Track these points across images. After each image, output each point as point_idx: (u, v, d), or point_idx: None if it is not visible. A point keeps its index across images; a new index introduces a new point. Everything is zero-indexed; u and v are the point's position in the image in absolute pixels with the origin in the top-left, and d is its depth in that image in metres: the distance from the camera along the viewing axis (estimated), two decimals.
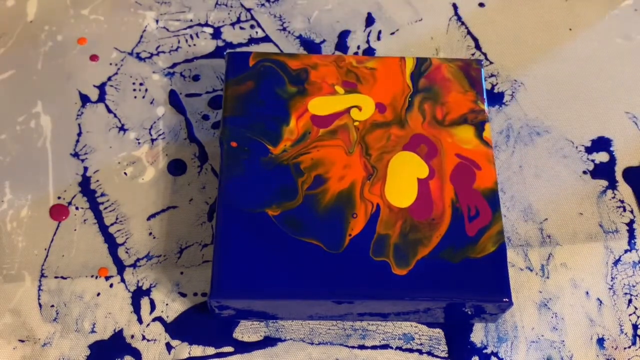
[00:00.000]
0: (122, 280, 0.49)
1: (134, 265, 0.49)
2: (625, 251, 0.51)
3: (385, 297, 0.44)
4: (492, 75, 0.58)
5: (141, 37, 0.58)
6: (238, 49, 0.58)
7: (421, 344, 0.47)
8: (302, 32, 0.59)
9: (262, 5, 0.60)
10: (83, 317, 0.47)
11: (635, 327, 0.48)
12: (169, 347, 0.47)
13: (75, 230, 0.50)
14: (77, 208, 0.51)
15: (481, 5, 0.61)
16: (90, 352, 0.46)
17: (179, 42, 0.58)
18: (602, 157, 0.55)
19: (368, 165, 0.47)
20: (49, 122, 0.54)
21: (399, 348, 0.47)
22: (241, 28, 0.59)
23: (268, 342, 0.47)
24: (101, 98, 0.55)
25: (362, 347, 0.47)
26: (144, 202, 0.51)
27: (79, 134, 0.54)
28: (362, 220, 0.45)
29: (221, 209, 0.45)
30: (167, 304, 0.48)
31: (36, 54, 0.57)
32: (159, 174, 0.52)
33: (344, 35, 0.59)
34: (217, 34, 0.58)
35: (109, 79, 0.56)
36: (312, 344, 0.47)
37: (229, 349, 0.47)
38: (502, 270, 0.44)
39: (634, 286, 0.50)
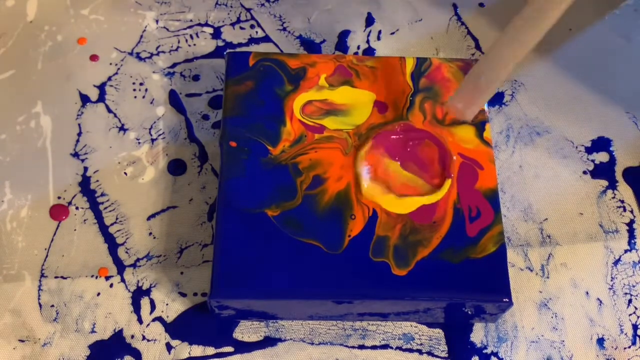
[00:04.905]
0: (122, 280, 0.49)
1: (134, 265, 0.49)
2: (625, 251, 0.51)
3: (385, 297, 0.44)
4: None
5: (141, 37, 0.58)
6: (238, 49, 0.58)
7: (421, 344, 0.47)
8: (302, 32, 0.59)
9: (262, 5, 0.60)
10: (83, 317, 0.47)
11: (635, 327, 0.48)
12: (169, 347, 0.47)
13: (75, 230, 0.50)
14: (77, 208, 0.51)
15: (481, 5, 0.61)
16: (90, 352, 0.46)
17: (179, 42, 0.58)
18: (602, 157, 0.55)
19: None
20: (49, 122, 0.54)
21: (399, 348, 0.47)
22: (241, 28, 0.59)
23: (268, 342, 0.47)
24: (101, 98, 0.55)
25: (362, 347, 0.47)
26: (144, 202, 0.51)
27: (79, 134, 0.54)
28: (361, 222, 0.45)
29: (221, 209, 0.45)
30: (167, 304, 0.48)
31: (36, 54, 0.57)
32: (159, 174, 0.52)
33: (344, 35, 0.59)
34: (217, 34, 0.58)
35: (109, 79, 0.56)
36: (312, 344, 0.47)
37: (229, 349, 0.47)
38: (502, 270, 0.44)
39: (634, 286, 0.50)
